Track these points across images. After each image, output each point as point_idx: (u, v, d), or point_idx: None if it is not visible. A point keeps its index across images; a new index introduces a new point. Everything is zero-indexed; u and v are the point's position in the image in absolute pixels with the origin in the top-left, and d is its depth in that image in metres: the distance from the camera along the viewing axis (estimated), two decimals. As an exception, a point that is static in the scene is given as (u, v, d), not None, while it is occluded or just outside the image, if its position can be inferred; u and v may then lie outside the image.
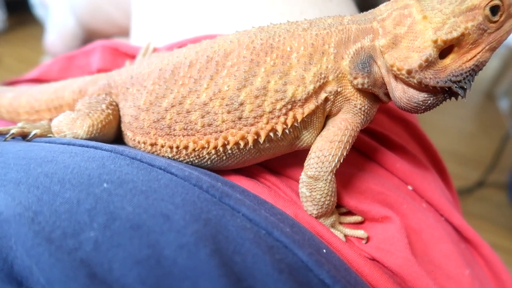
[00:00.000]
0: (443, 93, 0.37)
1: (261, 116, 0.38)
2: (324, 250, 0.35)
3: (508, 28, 0.36)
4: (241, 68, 0.38)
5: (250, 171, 0.45)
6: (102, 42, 0.66)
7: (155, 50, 0.61)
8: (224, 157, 0.40)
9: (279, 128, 0.38)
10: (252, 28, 0.41)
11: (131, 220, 0.28)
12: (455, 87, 0.36)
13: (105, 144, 0.38)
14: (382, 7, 0.39)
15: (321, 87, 0.38)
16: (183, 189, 0.33)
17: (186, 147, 0.40)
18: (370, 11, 0.40)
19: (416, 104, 0.38)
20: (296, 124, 0.39)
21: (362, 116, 0.40)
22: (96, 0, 0.93)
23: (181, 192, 0.32)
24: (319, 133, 0.41)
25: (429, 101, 0.37)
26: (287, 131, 0.39)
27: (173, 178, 0.34)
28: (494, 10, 0.35)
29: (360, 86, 0.38)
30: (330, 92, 0.38)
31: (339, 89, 0.38)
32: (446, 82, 0.36)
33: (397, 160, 0.48)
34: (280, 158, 0.45)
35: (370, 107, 0.40)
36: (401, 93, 0.38)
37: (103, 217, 0.28)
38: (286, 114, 0.38)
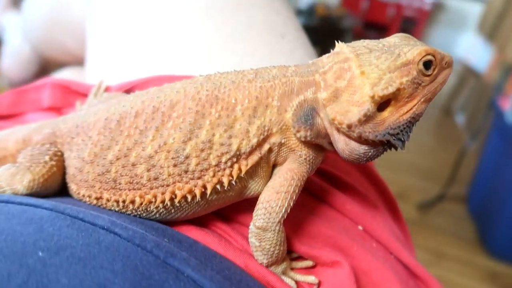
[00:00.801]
0: (382, 145, 0.39)
1: (207, 169, 0.38)
2: None
3: (442, 80, 0.38)
4: (186, 119, 0.38)
5: (201, 220, 0.44)
6: (52, 79, 0.64)
7: (107, 89, 0.60)
8: (173, 210, 0.40)
9: (225, 180, 0.38)
10: (199, 77, 0.41)
11: None
12: (393, 139, 0.38)
13: (46, 201, 0.37)
14: (324, 58, 0.40)
15: (264, 140, 0.39)
16: (125, 252, 0.32)
17: (132, 202, 0.39)
18: (313, 61, 0.41)
19: (357, 156, 0.39)
20: (242, 176, 0.39)
21: (308, 166, 0.41)
22: (49, 29, 0.91)
23: (122, 256, 0.31)
24: (267, 181, 0.41)
25: (369, 153, 0.39)
26: (233, 182, 0.39)
27: (116, 239, 0.33)
28: (427, 64, 0.37)
29: (303, 139, 0.39)
30: (274, 144, 0.39)
31: (283, 141, 0.39)
32: (384, 135, 0.37)
33: (347, 201, 0.49)
34: (231, 205, 0.44)
35: (315, 156, 0.41)
36: (343, 145, 0.39)
37: None
38: (231, 166, 0.38)
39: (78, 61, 0.94)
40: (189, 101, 0.38)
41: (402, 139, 0.38)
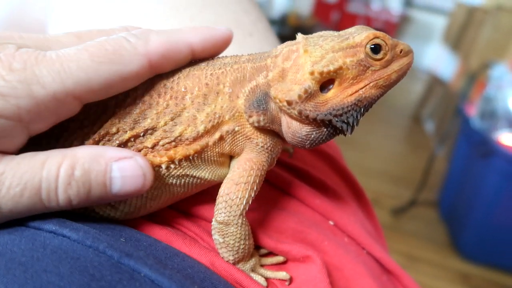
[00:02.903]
0: (325, 127, 0.37)
1: (139, 150, 0.36)
2: None
3: (397, 68, 0.37)
4: (132, 110, 0.36)
5: (165, 217, 0.42)
6: None
7: None
8: (114, 202, 0.37)
9: (156, 161, 0.36)
10: None
11: None
12: (336, 121, 0.36)
13: None
14: (279, 45, 0.40)
15: (214, 127, 0.37)
16: (74, 254, 0.29)
17: None
18: (268, 50, 0.40)
19: (300, 139, 0.38)
20: (177, 162, 0.37)
21: (267, 154, 0.39)
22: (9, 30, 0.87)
23: (70, 258, 0.28)
24: (222, 172, 0.40)
25: (312, 135, 0.37)
26: (171, 166, 0.37)
27: (64, 242, 0.30)
28: (376, 49, 0.36)
29: (256, 124, 0.37)
30: (227, 132, 0.37)
31: (237, 128, 0.38)
32: (325, 115, 0.36)
33: (317, 196, 0.48)
34: (194, 200, 0.42)
35: (273, 144, 0.39)
36: (286, 127, 0.38)
37: None
38: (167, 150, 0.36)
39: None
40: (137, 91, 0.36)
41: (347, 122, 0.37)
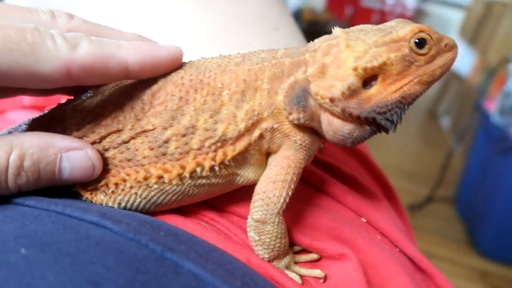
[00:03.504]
0: (368, 125, 0.36)
1: (187, 152, 0.35)
2: None
3: (442, 63, 0.36)
4: (168, 106, 0.35)
5: (196, 212, 0.42)
6: None
7: None
8: (152, 193, 0.37)
9: (206, 164, 0.36)
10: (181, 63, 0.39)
11: None
12: (380, 118, 0.35)
13: (28, 197, 0.34)
14: (316, 40, 0.39)
15: (254, 125, 0.36)
16: (118, 246, 0.29)
17: (106, 184, 0.37)
18: (295, 45, 0.39)
19: (342, 137, 0.37)
20: (227, 162, 0.36)
21: (304, 152, 0.38)
22: None
23: (115, 250, 0.28)
24: (260, 169, 0.39)
25: (355, 134, 0.36)
26: (216, 168, 0.36)
27: (107, 234, 0.30)
28: (421, 43, 0.35)
29: (296, 122, 0.36)
30: (265, 129, 0.37)
31: (275, 126, 0.37)
32: (369, 112, 0.35)
33: (349, 192, 0.47)
34: (227, 195, 0.42)
35: (311, 142, 0.39)
36: (327, 125, 0.37)
37: None
38: (215, 151, 0.36)
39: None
40: (171, 87, 0.36)
41: (391, 120, 0.36)
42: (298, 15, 3.25)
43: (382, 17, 4.45)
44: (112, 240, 0.30)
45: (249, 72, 0.36)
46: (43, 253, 0.26)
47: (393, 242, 0.47)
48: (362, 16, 4.51)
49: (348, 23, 4.46)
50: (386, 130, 0.37)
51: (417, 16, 4.82)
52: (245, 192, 0.42)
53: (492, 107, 2.03)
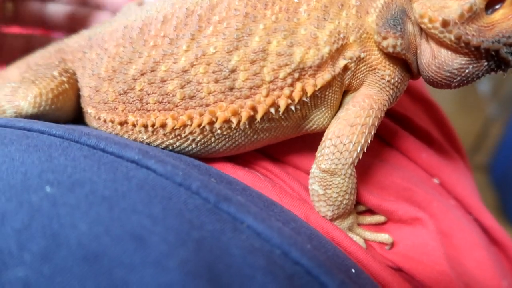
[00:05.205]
0: (487, 59, 0.29)
1: (259, 86, 0.29)
2: (353, 270, 0.27)
3: None
4: (232, 24, 0.29)
5: (246, 159, 0.36)
6: None
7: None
8: (213, 139, 0.31)
9: (282, 103, 0.29)
10: None
11: (85, 246, 0.19)
12: (505, 51, 0.28)
13: (56, 126, 0.28)
14: None
15: (338, 51, 0.29)
16: (164, 192, 0.24)
17: (163, 125, 0.31)
18: None
19: (448, 74, 0.29)
20: (305, 99, 0.30)
21: (391, 92, 0.31)
22: None
23: (161, 197, 0.23)
24: (335, 113, 0.32)
25: (467, 70, 0.29)
26: (292, 107, 0.30)
27: (150, 176, 0.25)
28: None
29: (391, 50, 0.29)
30: (351, 58, 0.30)
31: (362, 55, 0.30)
32: (493, 43, 0.27)
33: (423, 148, 0.40)
34: (284, 143, 0.36)
35: (401, 80, 0.31)
36: (429, 58, 0.29)
37: (40, 243, 0.18)
38: (292, 85, 0.29)
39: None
40: (235, 0, 0.29)
41: None
42: None
43: None
44: (156, 184, 0.24)
45: None
46: (73, 194, 0.21)
47: (467, 208, 0.41)
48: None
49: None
50: (505, 68, 0.29)
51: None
52: (304, 140, 0.36)
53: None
